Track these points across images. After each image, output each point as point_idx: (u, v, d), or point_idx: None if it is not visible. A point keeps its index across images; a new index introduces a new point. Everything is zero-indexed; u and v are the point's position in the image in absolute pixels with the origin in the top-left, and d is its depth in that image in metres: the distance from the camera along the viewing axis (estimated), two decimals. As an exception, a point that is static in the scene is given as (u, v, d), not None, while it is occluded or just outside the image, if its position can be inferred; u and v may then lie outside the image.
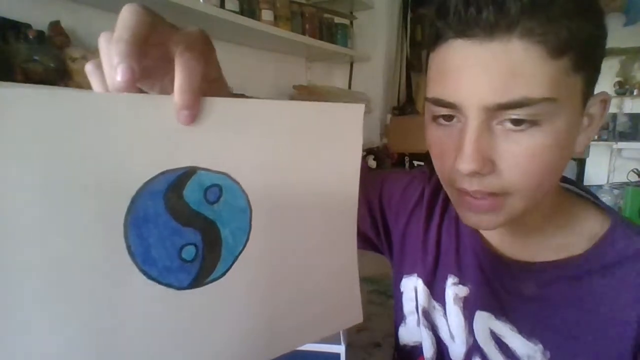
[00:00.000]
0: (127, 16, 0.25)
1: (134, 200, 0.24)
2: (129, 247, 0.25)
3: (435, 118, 0.40)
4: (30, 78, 0.93)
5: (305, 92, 1.87)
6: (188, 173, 0.26)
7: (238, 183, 0.28)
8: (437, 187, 0.55)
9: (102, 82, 0.26)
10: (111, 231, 0.24)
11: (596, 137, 3.63)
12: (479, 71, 0.34)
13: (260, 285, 0.31)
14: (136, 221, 0.25)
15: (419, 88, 2.29)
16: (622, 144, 2.95)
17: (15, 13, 0.99)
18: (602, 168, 3.12)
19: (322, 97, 1.90)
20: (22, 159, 0.21)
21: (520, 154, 0.36)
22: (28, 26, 0.99)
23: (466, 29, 0.34)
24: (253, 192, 0.29)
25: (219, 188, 0.28)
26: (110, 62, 0.25)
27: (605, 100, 0.40)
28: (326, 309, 0.35)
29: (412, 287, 0.55)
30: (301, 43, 1.76)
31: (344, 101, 2.02)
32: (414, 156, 2.14)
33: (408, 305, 0.56)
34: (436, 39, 0.38)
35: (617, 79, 3.09)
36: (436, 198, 0.55)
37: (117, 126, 0.23)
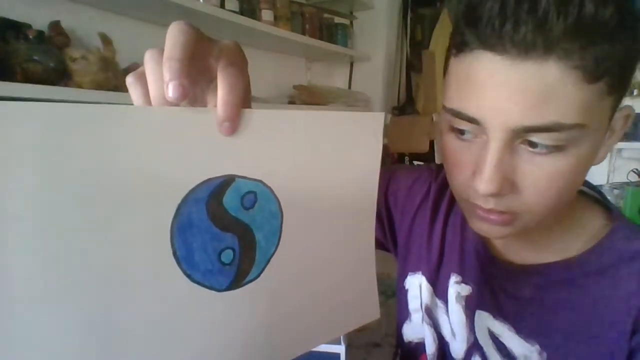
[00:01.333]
0: (176, 35, 0.26)
1: (179, 207, 0.26)
2: (174, 252, 0.26)
3: (453, 129, 0.38)
4: (30, 78, 0.93)
5: (305, 92, 1.87)
6: (227, 181, 0.28)
7: (271, 189, 0.30)
8: (444, 185, 0.55)
9: (144, 95, 0.27)
10: (159, 236, 0.26)
11: (596, 137, 3.61)
12: (507, 91, 0.32)
13: (290, 285, 0.33)
14: (181, 227, 0.26)
15: (419, 88, 2.29)
16: (622, 144, 2.94)
17: (15, 13, 0.99)
18: (602, 168, 3.12)
19: (322, 97, 1.90)
20: (85, 167, 0.23)
21: (541, 177, 0.34)
22: (28, 26, 0.98)
23: (498, 44, 0.31)
24: (284, 197, 0.31)
25: (254, 194, 0.29)
26: (155, 77, 0.26)
27: (628, 115, 0.38)
28: (346, 306, 0.37)
29: (417, 285, 0.55)
30: (301, 43, 1.76)
31: (344, 101, 2.02)
32: (414, 156, 2.14)
33: (413, 303, 0.56)
34: (461, 46, 0.35)
35: (617, 79, 3.09)
36: (442, 196, 0.56)
37: (165, 138, 0.25)
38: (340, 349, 0.54)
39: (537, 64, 0.31)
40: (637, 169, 2.65)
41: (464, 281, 0.50)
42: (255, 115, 0.28)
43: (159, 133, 0.25)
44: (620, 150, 3.03)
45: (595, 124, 0.33)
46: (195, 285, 0.28)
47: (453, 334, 0.51)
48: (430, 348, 0.53)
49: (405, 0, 2.28)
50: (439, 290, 0.53)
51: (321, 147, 0.33)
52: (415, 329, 0.56)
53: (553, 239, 0.45)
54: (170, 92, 0.24)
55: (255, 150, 0.29)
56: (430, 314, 0.54)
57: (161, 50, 0.26)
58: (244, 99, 0.29)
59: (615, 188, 2.06)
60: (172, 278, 0.27)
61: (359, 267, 0.38)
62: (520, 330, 0.44)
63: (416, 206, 0.57)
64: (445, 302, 0.52)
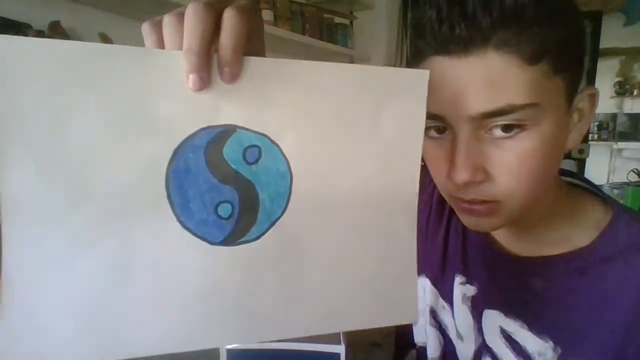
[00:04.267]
0: (193, 24, 0.26)
1: (176, 151, 0.26)
2: (169, 196, 0.27)
3: (427, 131, 0.40)
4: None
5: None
6: (228, 131, 0.27)
7: (278, 146, 0.28)
8: None
9: (158, 41, 0.27)
10: (155, 177, 0.26)
11: (596, 137, 3.63)
12: (460, 85, 0.35)
13: (294, 256, 0.30)
14: (177, 172, 0.27)
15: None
16: (622, 144, 2.95)
17: (15, 13, 0.99)
18: (602, 168, 3.12)
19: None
20: (94, 99, 0.25)
21: (510, 160, 0.36)
22: (28, 26, 0.99)
23: (442, 46, 0.35)
24: (295, 158, 0.29)
25: (258, 149, 0.28)
26: (173, 44, 0.26)
27: (593, 94, 0.40)
28: (373, 299, 0.33)
29: (421, 288, 0.55)
30: (301, 43, 1.76)
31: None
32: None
33: (419, 305, 0.56)
34: (416, 57, 0.38)
35: (617, 79, 3.09)
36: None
37: (167, 81, 0.26)
38: (340, 349, 0.53)
39: (479, 56, 0.34)
40: (637, 169, 2.65)
41: (469, 282, 0.50)
42: (263, 64, 0.27)
43: (161, 75, 0.25)
44: (620, 150, 3.03)
45: (548, 103, 0.36)
46: (187, 232, 0.27)
47: (460, 337, 0.51)
48: (435, 351, 0.53)
49: (405, 0, 2.28)
50: (444, 292, 0.53)
51: (349, 106, 0.29)
52: (421, 332, 0.56)
53: (554, 230, 0.45)
54: (191, 84, 0.25)
55: (260, 101, 0.27)
56: (435, 317, 0.54)
57: (180, 17, 0.26)
58: (256, 48, 0.29)
59: (615, 188, 2.07)
60: (165, 222, 0.27)
61: (394, 260, 0.33)
62: (533, 326, 0.44)
63: (420, 209, 0.57)
64: (451, 304, 0.52)
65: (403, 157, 0.31)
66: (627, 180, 2.55)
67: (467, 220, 0.42)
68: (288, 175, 0.29)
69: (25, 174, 0.24)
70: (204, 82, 0.26)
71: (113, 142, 0.25)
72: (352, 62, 2.27)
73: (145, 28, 0.28)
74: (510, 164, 0.36)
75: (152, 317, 0.28)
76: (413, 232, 0.33)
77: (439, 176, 0.41)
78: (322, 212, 0.30)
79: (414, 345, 0.57)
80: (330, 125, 0.29)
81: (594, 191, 0.47)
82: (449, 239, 0.54)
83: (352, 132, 0.30)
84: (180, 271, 0.28)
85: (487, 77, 0.34)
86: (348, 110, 0.29)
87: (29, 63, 0.23)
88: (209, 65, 0.26)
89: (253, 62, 0.27)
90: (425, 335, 0.55)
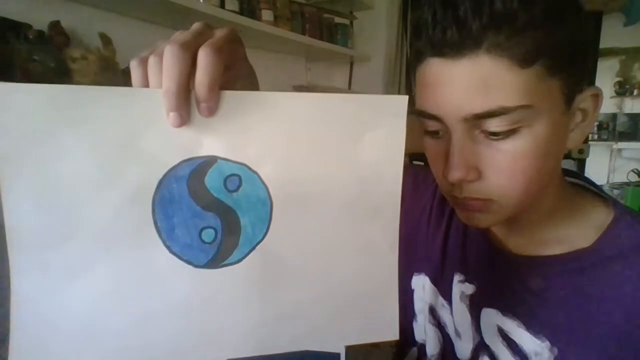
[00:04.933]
0: (169, 64, 0.27)
1: (160, 182, 0.28)
2: (155, 223, 0.29)
3: (426, 131, 0.42)
4: (30, 78, 0.93)
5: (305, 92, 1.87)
6: (209, 162, 0.29)
7: (257, 174, 0.30)
8: None
9: (143, 78, 0.29)
10: (142, 207, 0.28)
11: (596, 137, 3.63)
12: (454, 86, 0.36)
13: (275, 277, 0.32)
14: (162, 201, 0.29)
15: (419, 88, 2.29)
16: (622, 144, 2.95)
17: (15, 13, 0.99)
18: (602, 168, 3.12)
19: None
20: (85, 137, 0.27)
21: (502, 160, 0.37)
22: (28, 26, 0.98)
23: (437, 49, 0.36)
24: (274, 184, 0.30)
25: (239, 178, 0.30)
26: (156, 82, 0.28)
27: (597, 95, 0.40)
28: (355, 317, 0.34)
29: (421, 285, 0.56)
30: (301, 43, 1.76)
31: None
32: (414, 156, 2.14)
33: (419, 304, 0.56)
34: (416, 58, 0.40)
35: (617, 79, 3.09)
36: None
37: (150, 117, 0.28)
38: (340, 349, 0.54)
39: (471, 59, 0.35)
40: (637, 169, 2.65)
41: (468, 280, 0.51)
42: (238, 97, 0.29)
43: (144, 112, 0.28)
44: (620, 150, 3.03)
45: (543, 104, 0.36)
46: (173, 256, 0.29)
47: (458, 334, 0.51)
48: (434, 349, 0.53)
49: (405, 0, 2.28)
50: (443, 290, 0.53)
51: (327, 134, 0.30)
52: (421, 330, 0.56)
53: (555, 230, 0.45)
54: (171, 121, 0.27)
55: (239, 132, 0.29)
56: (434, 314, 0.54)
57: (161, 57, 0.27)
58: (245, 84, 0.31)
59: (615, 188, 2.07)
60: (152, 246, 0.29)
61: (374, 276, 0.33)
62: (530, 325, 0.44)
63: (421, 207, 0.58)
64: (450, 302, 0.52)
65: (384, 180, 0.32)
66: (627, 180, 2.55)
67: (462, 215, 0.43)
68: (268, 201, 0.30)
69: (26, 207, 0.27)
70: (183, 119, 0.27)
71: (103, 175, 0.28)
72: (352, 62, 2.27)
73: (133, 64, 0.29)
74: (502, 164, 0.37)
75: (140, 333, 0.30)
76: (394, 251, 0.34)
77: (437, 174, 0.42)
78: (303, 235, 0.32)
79: (415, 343, 0.57)
80: (309, 152, 0.30)
81: (598, 192, 0.47)
82: (450, 237, 0.54)
83: (331, 158, 0.31)
84: (167, 292, 0.30)
85: (479, 79, 0.35)
86: (326, 138, 0.30)
87: (27, 107, 0.26)
88: (188, 102, 0.28)
89: (230, 95, 0.28)
90: (424, 333, 0.55)
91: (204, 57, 0.27)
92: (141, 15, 1.29)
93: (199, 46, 0.28)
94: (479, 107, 0.35)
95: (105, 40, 1.08)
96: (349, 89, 2.28)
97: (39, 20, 1.03)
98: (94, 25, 1.15)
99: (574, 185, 0.48)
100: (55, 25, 1.05)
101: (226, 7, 1.40)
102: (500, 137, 0.36)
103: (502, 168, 0.37)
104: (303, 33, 1.78)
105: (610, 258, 0.41)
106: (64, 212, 0.27)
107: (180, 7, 1.20)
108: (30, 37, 0.96)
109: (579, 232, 0.44)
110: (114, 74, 1.06)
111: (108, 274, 0.29)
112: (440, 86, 0.37)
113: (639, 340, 0.39)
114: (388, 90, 2.30)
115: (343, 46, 2.03)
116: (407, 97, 0.31)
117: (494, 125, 0.36)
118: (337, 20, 2.06)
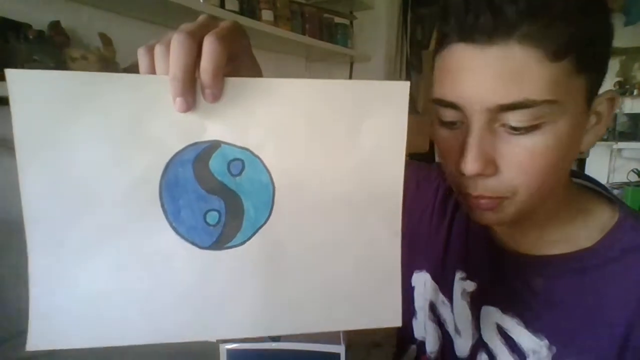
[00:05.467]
0: (176, 52, 0.28)
1: (167, 166, 0.30)
2: (162, 205, 0.30)
3: (440, 121, 0.40)
4: (30, 78, 0.92)
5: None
6: (213, 146, 0.30)
7: (260, 158, 0.31)
8: None
9: (150, 67, 0.30)
10: (149, 190, 0.30)
11: (596, 137, 3.61)
12: (480, 74, 0.35)
13: (277, 261, 0.32)
14: (169, 184, 0.30)
15: (419, 88, 2.29)
16: (622, 144, 2.95)
17: (15, 13, 0.99)
18: (602, 168, 3.12)
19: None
20: (96, 122, 0.29)
21: (521, 155, 0.36)
22: (28, 26, 0.98)
23: (466, 34, 0.35)
24: (277, 170, 0.31)
25: (242, 162, 0.31)
26: (163, 70, 0.29)
27: (612, 99, 0.40)
28: (356, 302, 0.34)
29: (422, 282, 0.56)
30: (301, 43, 1.76)
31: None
32: (414, 156, 2.14)
33: (419, 301, 0.56)
34: (440, 42, 0.38)
35: (617, 79, 3.08)
36: (450, 194, 0.56)
37: (157, 103, 0.29)
38: (340, 349, 0.53)
39: (501, 47, 0.34)
40: (637, 169, 2.65)
41: (469, 277, 0.51)
42: (242, 83, 0.30)
43: (151, 98, 0.29)
44: (620, 150, 3.02)
45: (567, 101, 0.35)
46: (179, 237, 0.31)
47: (457, 332, 0.51)
48: (434, 346, 0.53)
49: (405, 0, 2.28)
50: (443, 287, 0.53)
51: (329, 119, 0.31)
52: (421, 327, 0.56)
53: (559, 229, 0.45)
54: (177, 107, 0.28)
55: (242, 118, 0.30)
56: (435, 311, 0.54)
57: (168, 45, 0.28)
58: (245, 64, 0.32)
59: (615, 188, 2.07)
60: (159, 227, 0.30)
61: (378, 262, 0.34)
62: (529, 324, 0.44)
63: (424, 204, 0.58)
64: (451, 299, 0.52)
65: (385, 166, 0.32)
66: (627, 180, 2.55)
67: (473, 213, 0.41)
68: (270, 186, 0.31)
69: (41, 187, 0.28)
70: (189, 104, 0.28)
71: (112, 159, 0.29)
72: (352, 62, 2.28)
73: (141, 52, 0.30)
74: (520, 159, 0.36)
75: (146, 310, 0.31)
76: (397, 237, 0.33)
77: (449, 166, 0.41)
78: (305, 219, 0.32)
79: (414, 341, 0.57)
80: (310, 137, 0.31)
81: (604, 193, 0.47)
82: (452, 234, 0.54)
83: (332, 143, 0.31)
84: (172, 271, 0.31)
85: (508, 69, 0.34)
86: (328, 123, 0.31)
87: (41, 93, 0.27)
88: (194, 89, 0.28)
89: (234, 82, 0.29)
90: (424, 330, 0.55)
91: (208, 45, 0.28)
92: (141, 15, 1.29)
93: (204, 35, 0.28)
94: (505, 97, 0.34)
95: (105, 40, 1.08)
96: (349, 89, 2.28)
97: (39, 20, 1.03)
98: (94, 25, 1.15)
99: (581, 186, 0.48)
100: (55, 25, 1.05)
101: (226, 7, 1.40)
102: (520, 132, 0.35)
103: (520, 163, 0.36)
104: (303, 33, 1.78)
105: (612, 259, 0.41)
106: (77, 193, 0.29)
107: (180, 7, 1.20)
108: (30, 37, 0.96)
109: (582, 233, 0.44)
110: (114, 74, 1.06)
111: (117, 252, 0.30)
112: (465, 73, 0.35)
113: (639, 340, 0.39)
114: (388, 90, 2.30)
115: (343, 46, 2.03)
116: (408, 83, 0.31)
117: (516, 118, 0.35)
118: (337, 20, 2.06)
